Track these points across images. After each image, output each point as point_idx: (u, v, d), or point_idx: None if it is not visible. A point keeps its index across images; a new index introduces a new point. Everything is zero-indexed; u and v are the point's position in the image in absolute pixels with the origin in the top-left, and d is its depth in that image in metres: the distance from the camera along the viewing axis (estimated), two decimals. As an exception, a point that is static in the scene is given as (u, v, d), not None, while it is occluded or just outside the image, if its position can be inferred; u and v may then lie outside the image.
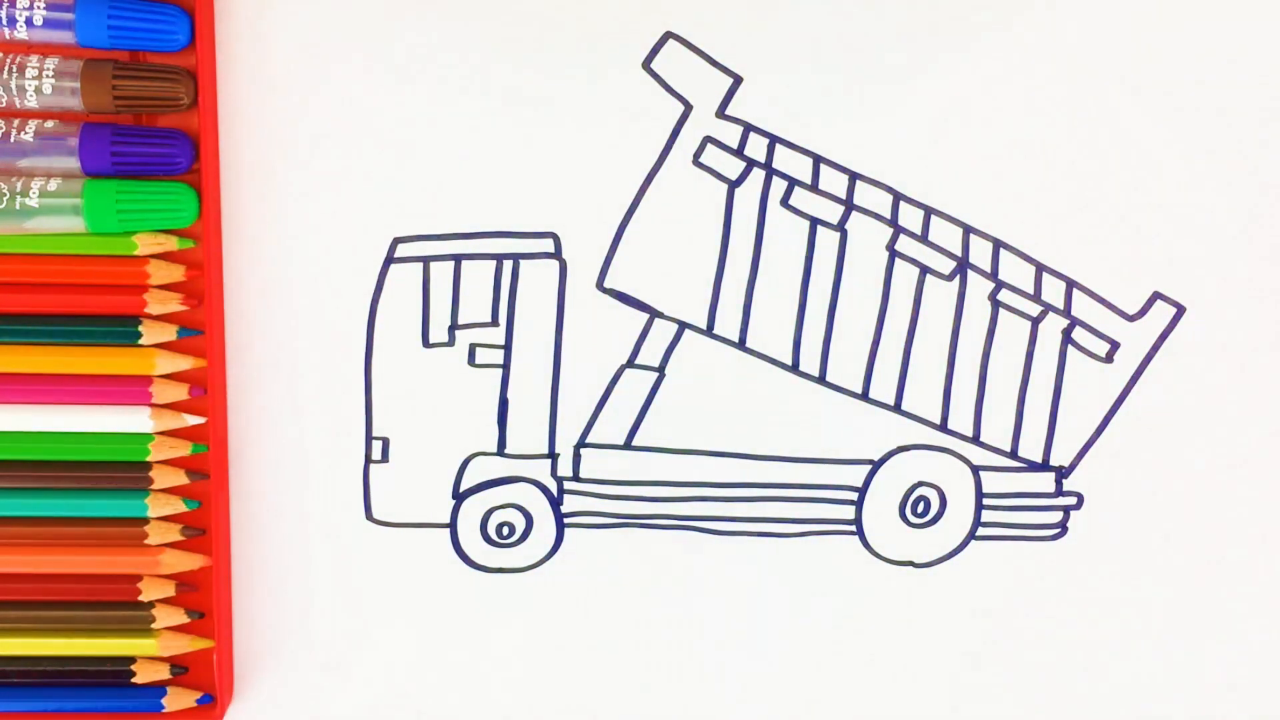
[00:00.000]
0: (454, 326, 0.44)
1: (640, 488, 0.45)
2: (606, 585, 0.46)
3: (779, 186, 0.44)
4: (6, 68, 0.40)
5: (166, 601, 0.44)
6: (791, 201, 0.44)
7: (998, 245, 0.44)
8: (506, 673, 0.46)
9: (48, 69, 0.40)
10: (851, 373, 0.45)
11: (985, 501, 0.46)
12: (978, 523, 0.46)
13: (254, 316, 0.44)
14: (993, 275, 0.45)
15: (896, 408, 0.45)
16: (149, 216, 0.41)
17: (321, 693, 0.46)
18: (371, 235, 0.44)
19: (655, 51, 0.43)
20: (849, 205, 0.44)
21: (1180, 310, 0.45)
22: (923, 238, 0.44)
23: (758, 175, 0.44)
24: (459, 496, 0.45)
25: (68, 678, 0.44)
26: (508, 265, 0.44)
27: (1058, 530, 0.46)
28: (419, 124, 0.43)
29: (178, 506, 0.44)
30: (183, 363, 0.43)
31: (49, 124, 0.41)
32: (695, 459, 0.45)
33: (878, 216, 0.44)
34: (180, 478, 0.43)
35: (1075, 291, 0.45)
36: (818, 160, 0.44)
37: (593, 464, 0.45)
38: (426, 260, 0.44)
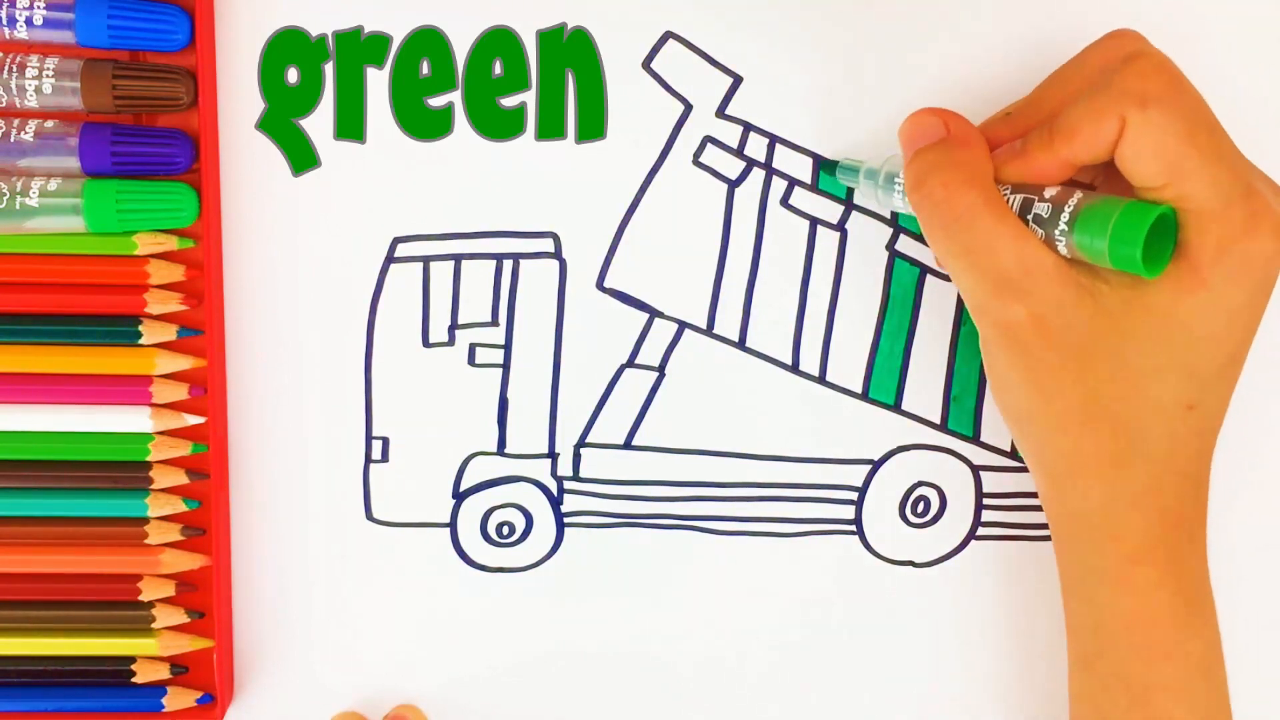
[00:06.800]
0: (454, 326, 0.44)
1: (640, 487, 0.45)
2: (606, 585, 0.46)
3: (779, 186, 0.44)
4: (6, 68, 0.40)
5: (166, 601, 0.44)
6: (791, 201, 0.44)
7: (998, 245, 0.44)
8: (507, 672, 0.46)
9: (48, 69, 0.40)
10: (851, 373, 0.45)
11: (985, 501, 0.46)
12: (978, 523, 0.46)
13: (254, 316, 0.44)
14: (993, 275, 0.45)
15: (896, 408, 0.45)
16: (149, 216, 0.41)
17: (321, 693, 0.46)
18: (371, 235, 0.44)
19: (655, 51, 0.43)
20: (849, 205, 0.44)
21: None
22: (923, 237, 0.44)
23: (758, 175, 0.44)
24: (459, 496, 0.45)
25: (68, 678, 0.44)
26: (508, 265, 0.44)
27: (1058, 530, 0.46)
28: (419, 124, 0.43)
29: (178, 506, 0.44)
30: (183, 363, 0.43)
31: (49, 124, 0.41)
32: (695, 459, 0.45)
33: (878, 216, 0.44)
34: (180, 477, 0.43)
35: (1075, 291, 0.45)
36: (818, 160, 0.44)
37: (593, 464, 0.45)
38: (426, 260, 0.44)
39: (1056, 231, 0.36)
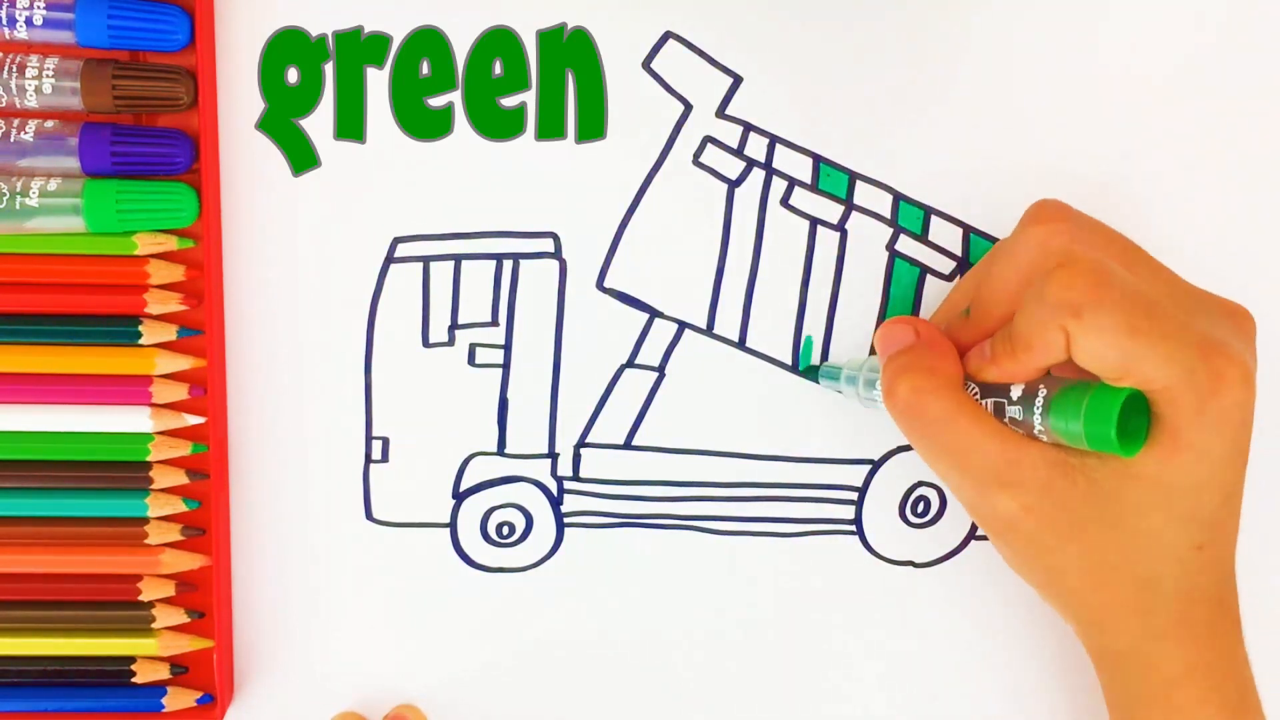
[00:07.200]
0: (454, 326, 0.44)
1: (640, 487, 0.45)
2: (606, 585, 0.46)
3: (779, 186, 0.44)
4: (6, 68, 0.40)
5: (166, 601, 0.44)
6: (791, 201, 0.44)
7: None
8: (507, 672, 0.46)
9: (48, 69, 0.40)
10: (851, 373, 0.45)
11: (985, 501, 0.46)
12: (978, 523, 0.46)
13: (254, 316, 0.44)
14: (993, 275, 0.45)
15: (896, 408, 0.45)
16: (149, 216, 0.41)
17: (321, 693, 0.46)
18: (371, 235, 0.44)
19: (655, 51, 0.43)
20: (849, 205, 0.44)
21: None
22: (923, 238, 0.44)
23: (758, 175, 0.44)
24: (459, 496, 0.45)
25: (68, 678, 0.44)
26: (508, 265, 0.44)
27: (1058, 530, 0.46)
28: (419, 124, 0.43)
29: (178, 506, 0.44)
30: (183, 363, 0.43)
31: (49, 124, 0.41)
32: (695, 459, 0.45)
33: (878, 216, 0.44)
34: (180, 477, 0.43)
35: (1075, 291, 0.45)
36: (818, 160, 0.44)
37: (592, 464, 0.45)
38: (426, 260, 0.44)
39: (1035, 423, 0.36)
